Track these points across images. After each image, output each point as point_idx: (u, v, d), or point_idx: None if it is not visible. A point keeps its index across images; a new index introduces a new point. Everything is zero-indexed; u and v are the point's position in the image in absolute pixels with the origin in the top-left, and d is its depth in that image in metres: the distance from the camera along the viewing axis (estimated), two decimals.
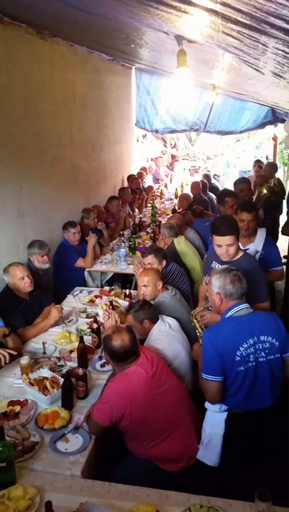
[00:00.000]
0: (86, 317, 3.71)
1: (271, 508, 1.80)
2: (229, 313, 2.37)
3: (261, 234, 3.54)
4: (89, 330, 3.39)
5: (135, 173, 8.70)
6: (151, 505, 1.88)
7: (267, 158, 11.12)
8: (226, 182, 9.65)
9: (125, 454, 2.47)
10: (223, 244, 2.82)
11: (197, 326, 2.81)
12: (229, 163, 11.63)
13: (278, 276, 3.69)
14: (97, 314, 3.66)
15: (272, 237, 3.71)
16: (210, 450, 2.37)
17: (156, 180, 10.10)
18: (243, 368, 2.27)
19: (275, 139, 9.13)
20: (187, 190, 7.78)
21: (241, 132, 8.63)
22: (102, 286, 4.62)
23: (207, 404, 2.41)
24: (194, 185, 7.33)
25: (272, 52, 2.18)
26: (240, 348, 2.25)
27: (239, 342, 2.26)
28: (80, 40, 5.07)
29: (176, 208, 7.22)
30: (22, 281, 3.38)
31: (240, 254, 2.93)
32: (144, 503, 1.91)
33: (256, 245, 3.49)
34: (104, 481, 2.08)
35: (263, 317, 2.39)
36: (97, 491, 2.01)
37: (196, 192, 7.11)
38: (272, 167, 7.33)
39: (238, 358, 2.25)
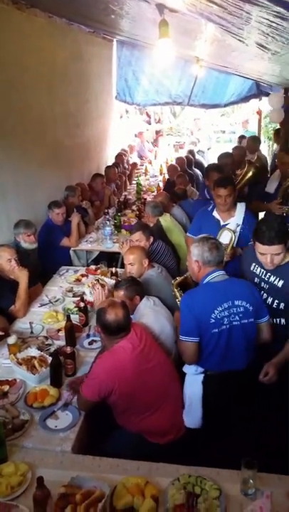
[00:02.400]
0: (73, 296, 3.70)
1: (256, 475, 1.87)
2: (206, 279, 2.49)
3: (241, 207, 3.57)
4: (76, 309, 3.38)
5: (119, 150, 8.57)
6: (142, 477, 1.92)
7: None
8: (210, 156, 9.58)
9: (115, 429, 2.51)
10: (268, 253, 2.42)
11: (177, 295, 2.95)
12: (210, 136, 11.51)
13: None
14: (83, 293, 3.66)
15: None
16: (191, 413, 2.49)
17: (141, 156, 9.97)
18: (217, 330, 2.38)
19: (259, 112, 9.05)
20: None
21: (226, 106, 8.51)
22: (88, 265, 4.60)
23: (185, 368, 2.54)
24: (179, 161, 7.28)
25: (257, 20, 2.13)
26: (215, 311, 2.37)
27: (214, 305, 2.38)
28: (59, 11, 4.87)
29: (163, 181, 7.19)
30: (9, 264, 3.34)
31: (288, 257, 2.50)
32: (134, 475, 1.95)
33: (236, 219, 3.53)
34: (95, 455, 2.12)
35: (239, 283, 2.53)
36: (87, 466, 2.04)
37: (181, 168, 7.07)
38: (255, 140, 7.27)
39: (213, 321, 2.37)
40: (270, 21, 2.04)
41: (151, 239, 3.87)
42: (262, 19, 2.06)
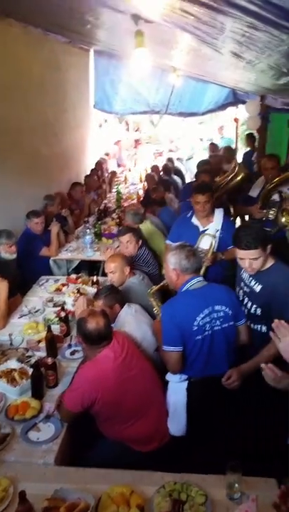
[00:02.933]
0: (53, 306, 3.65)
1: (242, 478, 1.87)
2: (185, 287, 2.50)
3: (219, 213, 3.64)
4: (57, 319, 3.34)
5: (100, 158, 8.61)
6: (127, 487, 1.90)
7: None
8: (192, 164, 9.69)
9: (98, 439, 2.48)
10: (246, 258, 2.41)
11: (154, 304, 2.96)
12: (193, 145, 11.65)
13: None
14: (64, 303, 3.62)
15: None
16: (176, 420, 2.49)
17: (119, 165, 10.01)
18: (200, 337, 2.40)
19: (236, 120, 9.21)
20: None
21: (203, 114, 8.65)
22: (68, 274, 4.56)
23: (168, 376, 2.54)
24: (154, 169, 7.37)
25: (231, 30, 2.17)
26: (197, 318, 2.39)
27: (196, 313, 2.39)
28: (34, 21, 4.87)
29: (143, 190, 7.27)
30: None
31: (270, 263, 2.47)
32: (119, 484, 1.92)
33: (215, 225, 3.58)
34: (79, 466, 2.09)
35: (217, 288, 2.56)
36: (71, 477, 2.01)
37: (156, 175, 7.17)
38: (230, 150, 7.47)
39: (196, 328, 2.38)
40: (244, 31, 2.08)
41: (140, 242, 3.90)
42: (236, 29, 2.11)
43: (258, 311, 2.53)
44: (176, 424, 2.49)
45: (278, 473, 1.96)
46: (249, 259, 2.40)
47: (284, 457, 2.17)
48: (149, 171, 7.59)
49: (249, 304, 2.58)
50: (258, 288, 2.52)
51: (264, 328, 2.57)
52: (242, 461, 1.87)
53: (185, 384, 2.48)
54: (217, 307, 2.43)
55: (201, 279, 2.54)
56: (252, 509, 1.79)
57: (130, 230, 3.94)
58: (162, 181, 6.85)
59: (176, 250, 2.54)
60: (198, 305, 2.41)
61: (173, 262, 2.51)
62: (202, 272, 3.38)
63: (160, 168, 7.55)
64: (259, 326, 2.60)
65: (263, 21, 1.72)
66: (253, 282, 2.55)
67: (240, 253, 2.41)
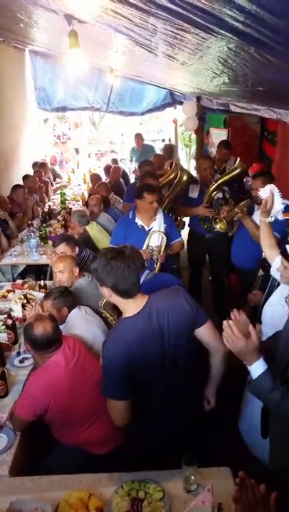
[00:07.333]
0: None
1: (197, 470, 1.92)
2: None
3: (159, 211, 3.72)
4: (3, 327, 3.24)
5: (40, 160, 8.42)
6: (84, 491, 1.89)
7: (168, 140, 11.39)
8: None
9: (55, 445, 2.44)
10: None
11: (107, 315, 2.81)
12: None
13: (180, 247, 3.95)
14: (10, 309, 3.53)
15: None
16: None
17: (61, 162, 9.87)
18: None
19: (175, 121, 9.39)
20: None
21: (143, 114, 8.72)
22: (14, 280, 4.44)
23: None
24: (114, 170, 7.33)
25: (162, 32, 2.20)
26: None
27: None
28: None
29: (88, 191, 7.20)
30: None
31: None
32: (76, 489, 1.91)
33: (158, 222, 3.65)
34: (36, 475, 2.04)
35: None
36: (27, 487, 1.97)
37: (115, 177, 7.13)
38: (168, 149, 7.62)
39: None
40: (175, 33, 2.12)
41: (77, 249, 3.84)
42: (167, 31, 2.14)
43: None
44: None
45: (231, 461, 2.04)
46: None
47: (234, 443, 2.26)
48: (94, 172, 7.52)
49: None
50: None
51: None
52: (195, 452, 1.91)
53: None
54: None
55: None
56: (208, 499, 1.84)
57: (64, 239, 3.84)
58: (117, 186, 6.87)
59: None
60: None
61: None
62: (157, 269, 3.50)
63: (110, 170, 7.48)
64: None
65: (191, 24, 1.76)
66: None
67: None
